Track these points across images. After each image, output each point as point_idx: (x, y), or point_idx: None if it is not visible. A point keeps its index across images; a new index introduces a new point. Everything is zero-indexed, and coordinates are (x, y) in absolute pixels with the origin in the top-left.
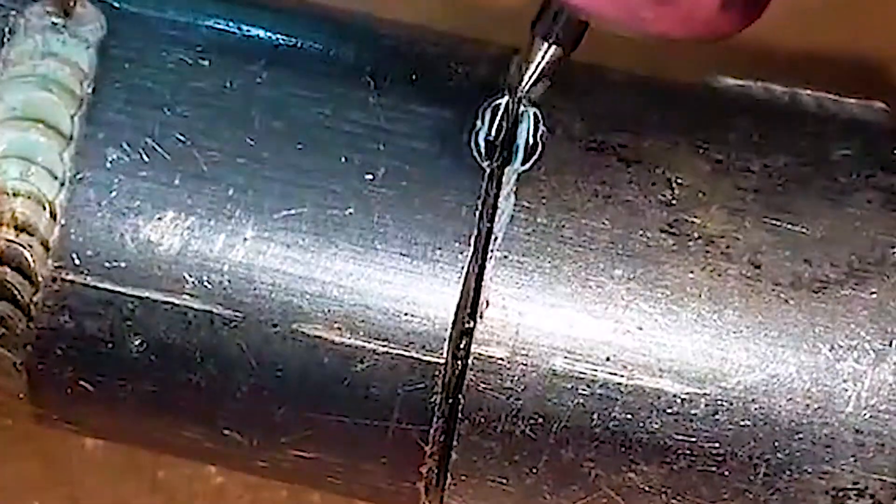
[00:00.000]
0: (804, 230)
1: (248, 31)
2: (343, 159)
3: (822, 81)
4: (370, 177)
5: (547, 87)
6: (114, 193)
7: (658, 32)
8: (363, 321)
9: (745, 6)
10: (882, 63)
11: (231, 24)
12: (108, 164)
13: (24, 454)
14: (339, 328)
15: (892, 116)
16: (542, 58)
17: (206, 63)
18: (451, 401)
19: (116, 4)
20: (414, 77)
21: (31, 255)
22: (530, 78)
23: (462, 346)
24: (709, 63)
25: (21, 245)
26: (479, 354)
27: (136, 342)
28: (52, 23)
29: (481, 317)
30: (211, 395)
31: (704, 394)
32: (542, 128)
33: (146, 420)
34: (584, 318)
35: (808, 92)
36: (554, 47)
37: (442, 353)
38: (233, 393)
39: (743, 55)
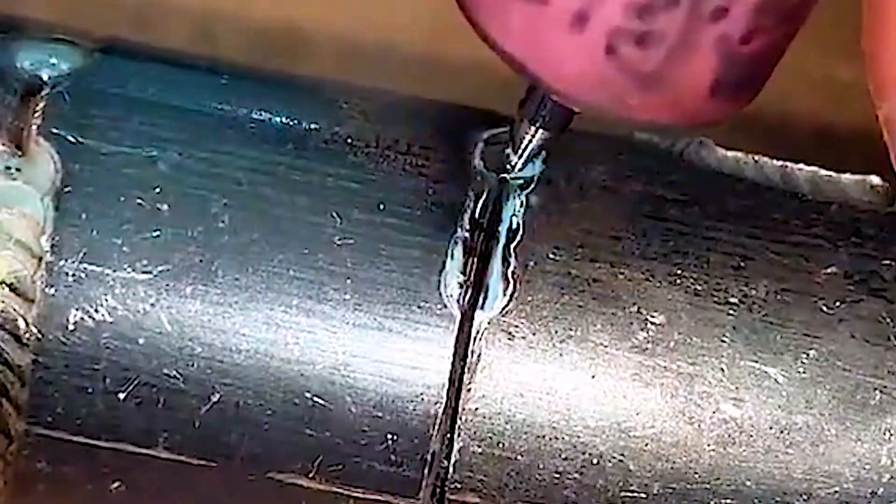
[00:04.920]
0: (783, 373)
1: (207, 164)
2: (309, 312)
3: None
4: (338, 329)
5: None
6: (79, 355)
7: (645, 119)
8: (339, 469)
9: (735, 92)
10: None
11: (188, 156)
12: (71, 326)
13: None
14: (315, 476)
15: (887, 193)
16: (530, 141)
17: (166, 208)
18: None
19: (71, 139)
20: (382, 207)
21: (2, 412)
22: (518, 160)
23: (438, 491)
24: None
25: None
26: (455, 500)
27: (115, 485)
28: (6, 167)
29: (455, 465)
30: None
31: None
32: (513, 264)
33: None
34: (559, 466)
35: (801, 167)
36: (542, 130)
37: (419, 499)
38: None
39: None
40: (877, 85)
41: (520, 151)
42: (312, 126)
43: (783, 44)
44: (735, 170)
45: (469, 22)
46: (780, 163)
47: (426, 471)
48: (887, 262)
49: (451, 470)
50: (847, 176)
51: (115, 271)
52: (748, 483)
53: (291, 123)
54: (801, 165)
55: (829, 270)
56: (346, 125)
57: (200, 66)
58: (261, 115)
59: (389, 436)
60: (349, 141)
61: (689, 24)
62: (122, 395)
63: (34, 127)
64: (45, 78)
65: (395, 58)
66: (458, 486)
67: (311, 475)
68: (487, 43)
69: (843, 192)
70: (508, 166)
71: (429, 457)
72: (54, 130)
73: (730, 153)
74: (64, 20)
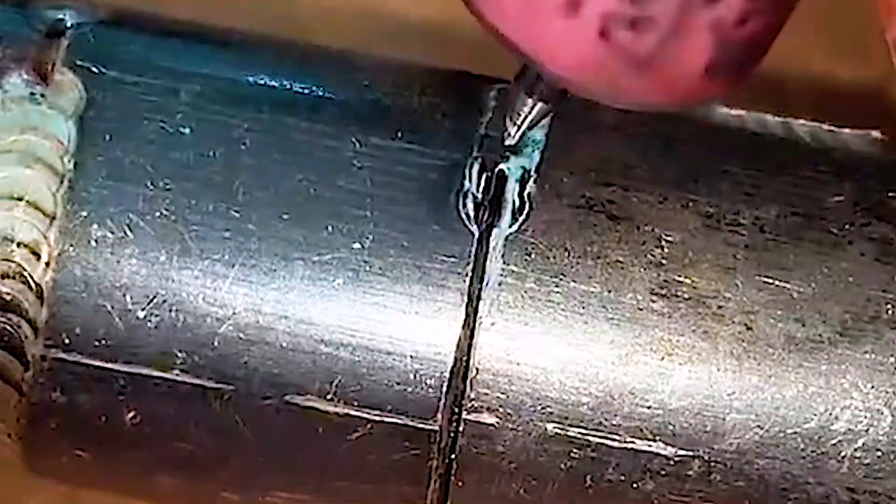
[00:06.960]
0: (797, 288)
1: (228, 95)
2: (329, 228)
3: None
4: (357, 245)
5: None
6: (100, 272)
7: (639, 101)
8: (356, 391)
9: (729, 74)
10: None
11: (211, 88)
12: (93, 242)
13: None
14: (332, 399)
15: (888, 146)
16: (528, 113)
17: (188, 131)
18: (446, 463)
19: (95, 69)
20: (399, 134)
21: (20, 335)
22: (516, 133)
23: (455, 412)
24: None
25: (9, 325)
26: (471, 420)
27: (130, 415)
28: (31, 93)
29: (472, 383)
30: (206, 463)
31: (697, 455)
32: (529, 185)
33: (142, 482)
34: (575, 382)
35: (803, 122)
36: (540, 103)
37: (436, 420)
38: (228, 460)
39: None
40: (886, 9)
41: (518, 122)
42: (330, 76)
43: (778, 25)
44: (739, 124)
45: (465, 4)
46: (783, 119)
47: (443, 389)
48: (893, 193)
49: (467, 388)
50: (848, 130)
51: (136, 188)
52: (763, 396)
53: (307, 83)
54: (802, 121)
55: (836, 199)
56: (362, 73)
57: (214, 32)
58: (275, 73)
59: (406, 354)
60: (366, 84)
61: (683, 9)
62: (141, 314)
63: (59, 61)
64: (68, 24)
65: (407, 30)
66: (475, 405)
67: (328, 397)
68: (483, 26)
69: (845, 144)
70: (506, 135)
71: (447, 374)
72: (79, 63)
73: (733, 111)
74: None
